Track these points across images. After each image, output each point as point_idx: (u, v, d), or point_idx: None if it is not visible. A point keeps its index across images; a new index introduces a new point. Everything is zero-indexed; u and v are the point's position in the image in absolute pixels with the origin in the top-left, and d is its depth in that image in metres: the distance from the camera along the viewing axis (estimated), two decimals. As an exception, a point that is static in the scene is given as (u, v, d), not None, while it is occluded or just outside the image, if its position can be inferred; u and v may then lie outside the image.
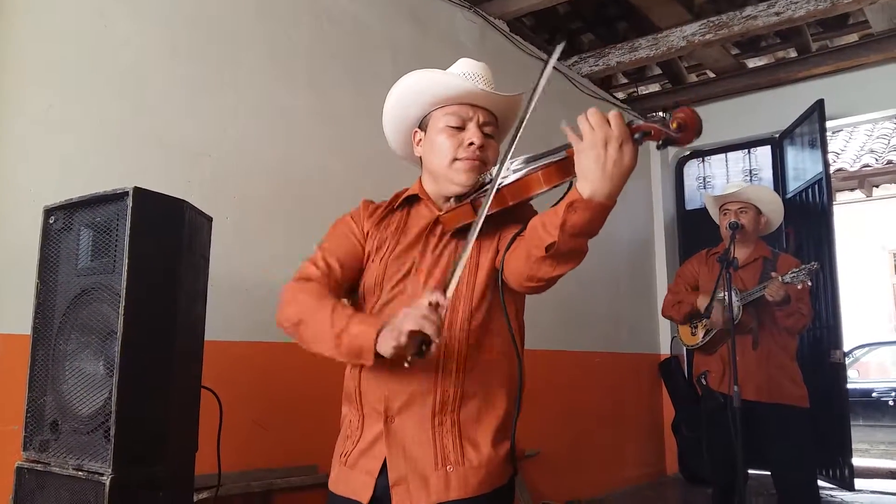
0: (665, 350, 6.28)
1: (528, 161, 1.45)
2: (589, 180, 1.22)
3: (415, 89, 1.58)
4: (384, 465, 1.44)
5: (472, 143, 1.53)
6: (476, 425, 1.44)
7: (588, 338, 5.38)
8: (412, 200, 1.64)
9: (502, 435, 1.46)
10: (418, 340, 1.24)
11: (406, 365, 1.29)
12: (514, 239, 1.40)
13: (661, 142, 1.22)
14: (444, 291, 1.29)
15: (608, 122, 1.21)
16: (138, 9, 2.85)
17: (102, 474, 1.70)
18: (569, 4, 5.16)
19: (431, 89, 1.57)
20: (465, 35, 4.52)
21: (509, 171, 1.43)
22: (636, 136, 1.21)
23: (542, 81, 1.33)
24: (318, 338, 1.43)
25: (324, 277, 1.53)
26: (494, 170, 1.43)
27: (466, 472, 1.40)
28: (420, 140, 1.63)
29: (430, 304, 1.25)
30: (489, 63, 1.65)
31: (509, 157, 1.39)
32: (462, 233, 1.48)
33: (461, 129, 1.56)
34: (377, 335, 1.30)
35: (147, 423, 1.79)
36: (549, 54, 1.35)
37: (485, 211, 1.35)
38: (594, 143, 1.20)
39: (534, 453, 4.49)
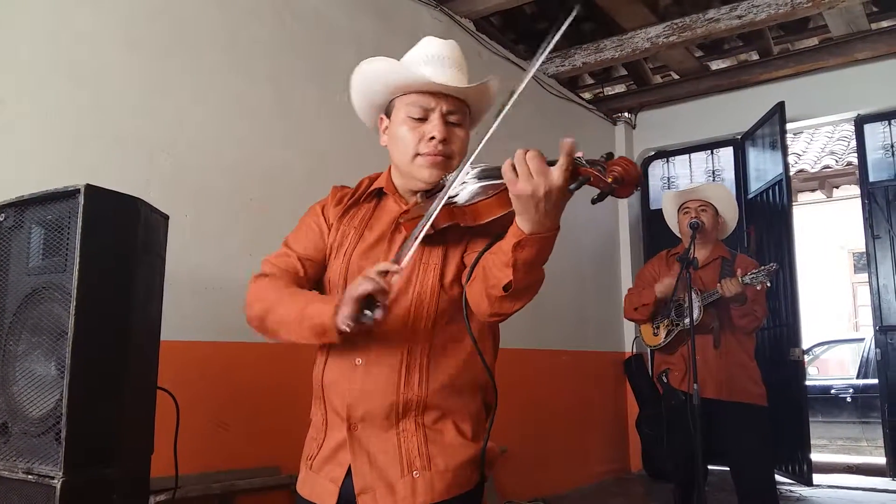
0: (629, 348, 6.35)
1: (483, 175, 1.39)
2: (527, 220, 1.18)
3: (371, 77, 1.51)
4: (349, 472, 1.42)
5: (433, 138, 1.45)
6: (442, 430, 1.41)
7: (554, 336, 5.41)
8: (380, 193, 1.58)
9: (470, 439, 1.43)
10: (366, 304, 1.24)
11: (360, 323, 1.26)
12: (477, 260, 1.36)
13: (597, 196, 1.16)
14: (396, 262, 1.28)
15: (545, 172, 1.14)
16: (96, 2, 2.80)
17: (53, 478, 1.67)
18: (535, 4, 5.19)
19: (388, 78, 1.48)
20: (430, 32, 4.48)
21: (464, 183, 1.38)
22: (571, 186, 1.15)
23: (520, 88, 1.27)
24: (283, 324, 1.42)
25: (285, 273, 1.51)
26: (452, 176, 1.37)
27: (433, 476, 1.37)
28: (386, 128, 1.54)
29: (379, 271, 1.25)
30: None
31: (468, 163, 1.33)
32: (427, 240, 1.41)
33: (424, 119, 1.46)
34: (335, 310, 1.29)
35: (99, 425, 1.76)
36: (532, 58, 1.31)
37: (426, 226, 1.32)
38: (532, 191, 1.14)
39: (503, 450, 4.51)
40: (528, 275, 1.24)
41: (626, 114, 6.78)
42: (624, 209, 6.70)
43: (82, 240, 1.73)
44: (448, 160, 1.46)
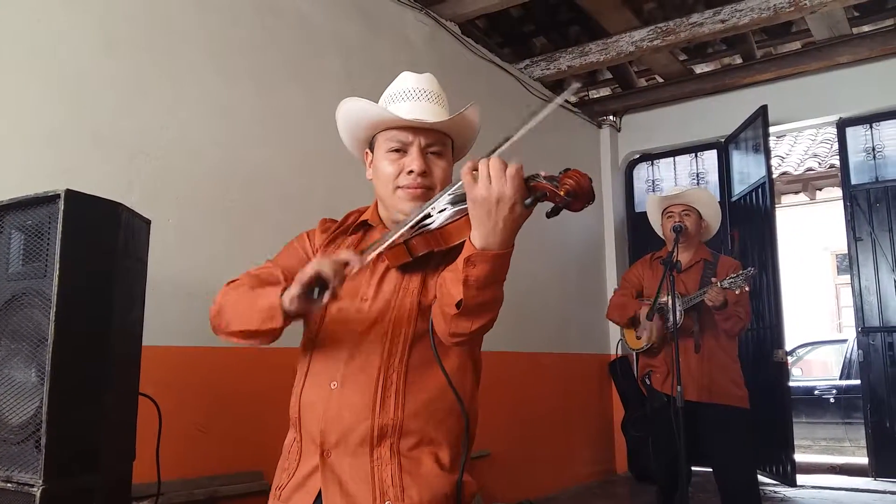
0: (614, 350, 6.37)
1: (457, 199, 1.36)
2: (480, 232, 1.19)
3: (352, 116, 1.54)
4: (318, 499, 1.38)
5: (411, 171, 1.46)
6: (419, 458, 1.38)
7: (538, 338, 5.42)
8: (366, 225, 1.59)
9: (448, 470, 1.39)
10: (316, 287, 1.24)
11: (306, 302, 1.26)
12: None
13: (551, 209, 1.17)
14: (362, 258, 1.29)
15: (506, 178, 1.16)
16: (74, 2, 2.77)
17: (33, 486, 1.66)
18: (521, 8, 5.20)
19: (365, 116, 1.52)
20: (415, 35, 4.51)
21: (442, 210, 1.37)
22: (527, 201, 1.16)
23: (515, 137, 1.23)
24: (236, 314, 1.42)
25: (260, 280, 1.50)
26: (429, 202, 1.37)
27: None
28: (371, 162, 1.56)
29: (337, 260, 1.26)
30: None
31: (446, 190, 1.33)
32: (406, 267, 1.43)
33: (404, 152, 1.48)
34: (283, 292, 1.30)
35: (80, 432, 1.75)
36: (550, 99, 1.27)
37: (399, 231, 1.33)
38: (487, 197, 1.16)
39: (484, 454, 4.51)
40: (481, 292, 1.23)
41: (611, 117, 6.81)
42: (609, 211, 6.73)
43: (62, 245, 1.72)
44: (429, 191, 1.47)
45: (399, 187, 1.48)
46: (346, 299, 1.46)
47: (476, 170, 1.19)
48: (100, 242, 1.83)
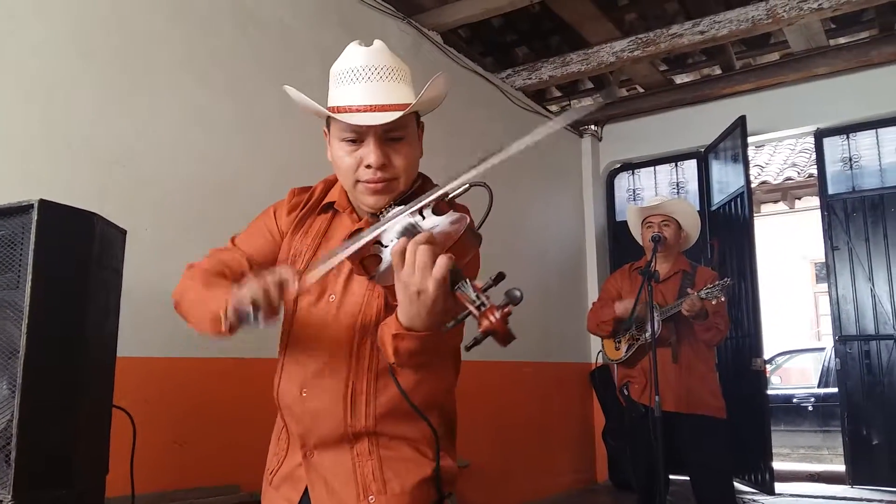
0: (595, 359, 6.39)
1: (437, 210, 1.23)
2: (405, 313, 1.11)
3: (298, 101, 1.39)
4: (305, 494, 1.40)
5: (369, 165, 1.32)
6: (398, 450, 1.38)
7: (519, 347, 5.32)
8: (334, 208, 1.49)
9: (428, 457, 1.39)
10: (249, 311, 1.17)
11: (241, 323, 1.19)
12: None
13: (471, 342, 1.04)
14: (302, 276, 1.22)
15: (430, 277, 1.04)
16: (48, 10, 2.74)
17: (2, 501, 1.63)
18: (503, 17, 5.23)
19: (310, 107, 1.37)
20: (397, 44, 4.52)
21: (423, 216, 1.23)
22: (449, 324, 1.06)
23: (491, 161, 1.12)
24: (190, 311, 1.37)
25: (222, 265, 1.45)
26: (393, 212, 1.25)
27: (388, 501, 1.34)
28: (329, 140, 1.41)
29: (277, 279, 1.18)
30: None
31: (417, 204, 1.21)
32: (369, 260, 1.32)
33: (359, 141, 1.33)
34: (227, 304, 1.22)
35: (52, 446, 1.73)
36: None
37: (347, 252, 1.23)
38: (408, 284, 1.06)
39: (464, 465, 4.50)
40: (414, 358, 1.18)
41: (592, 126, 6.85)
42: (590, 220, 6.76)
43: (35, 256, 1.70)
44: (392, 183, 1.35)
45: (359, 181, 1.35)
46: (314, 297, 1.42)
47: (406, 251, 1.08)
48: (73, 253, 1.82)
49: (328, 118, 1.37)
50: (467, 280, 1.05)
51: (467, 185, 1.18)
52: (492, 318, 1.00)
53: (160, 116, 3.08)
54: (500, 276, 1.05)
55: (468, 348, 1.06)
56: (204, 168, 3.23)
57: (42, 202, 1.73)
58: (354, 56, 1.35)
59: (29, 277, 1.69)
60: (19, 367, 1.66)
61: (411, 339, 1.14)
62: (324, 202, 1.51)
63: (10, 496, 1.62)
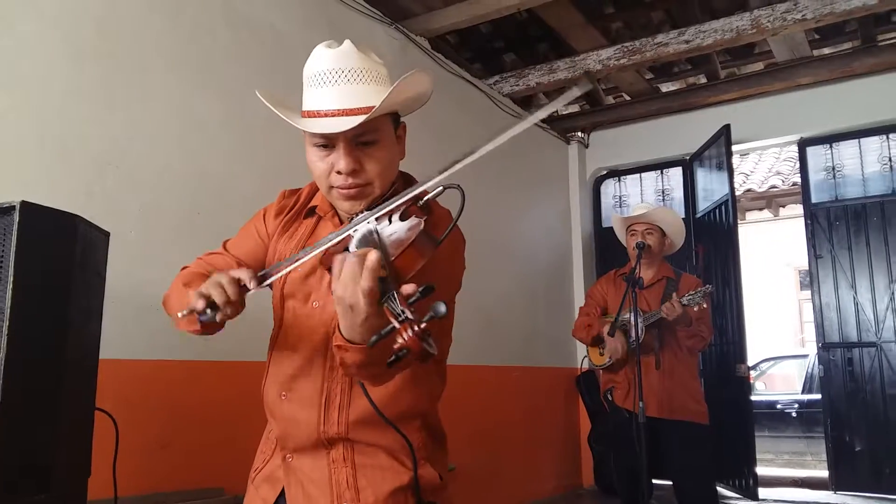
0: (581, 364, 6.40)
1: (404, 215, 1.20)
2: (343, 325, 1.10)
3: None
4: (281, 495, 1.41)
5: (340, 172, 1.30)
6: (373, 456, 1.37)
7: (505, 352, 5.44)
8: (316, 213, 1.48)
9: (405, 465, 1.37)
10: (208, 308, 1.19)
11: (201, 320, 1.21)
12: None
13: (392, 358, 1.01)
14: (260, 278, 1.24)
15: (357, 289, 1.03)
16: (41, 10, 2.74)
17: (-19, 503, 1.62)
18: (491, 24, 5.26)
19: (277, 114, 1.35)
20: (385, 50, 4.53)
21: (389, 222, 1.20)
22: (372, 339, 1.03)
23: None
24: (172, 312, 1.37)
25: (206, 266, 1.47)
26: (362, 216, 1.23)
27: None
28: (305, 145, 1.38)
29: (235, 278, 1.21)
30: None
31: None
32: None
33: (330, 146, 1.31)
34: None
35: (33, 448, 1.72)
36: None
37: (287, 270, 1.28)
38: (342, 297, 1.05)
39: (449, 468, 4.50)
40: (363, 370, 1.17)
41: (579, 133, 6.90)
42: (577, 226, 6.80)
43: (17, 257, 1.69)
44: (365, 188, 1.33)
45: (332, 187, 1.33)
46: (300, 301, 1.42)
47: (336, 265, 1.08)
48: (55, 255, 1.81)
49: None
50: (395, 294, 1.02)
51: (441, 188, 1.17)
52: (406, 335, 0.98)
53: (150, 118, 3.08)
54: (427, 289, 1.02)
55: (389, 365, 1.01)
56: (193, 170, 3.23)
57: (24, 204, 1.72)
58: (321, 59, 1.32)
59: (10, 279, 1.68)
60: (0, 370, 1.66)
61: (354, 352, 1.12)
62: (308, 206, 1.50)
63: (-11, 499, 1.62)
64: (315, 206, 1.48)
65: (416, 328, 0.98)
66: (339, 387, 1.37)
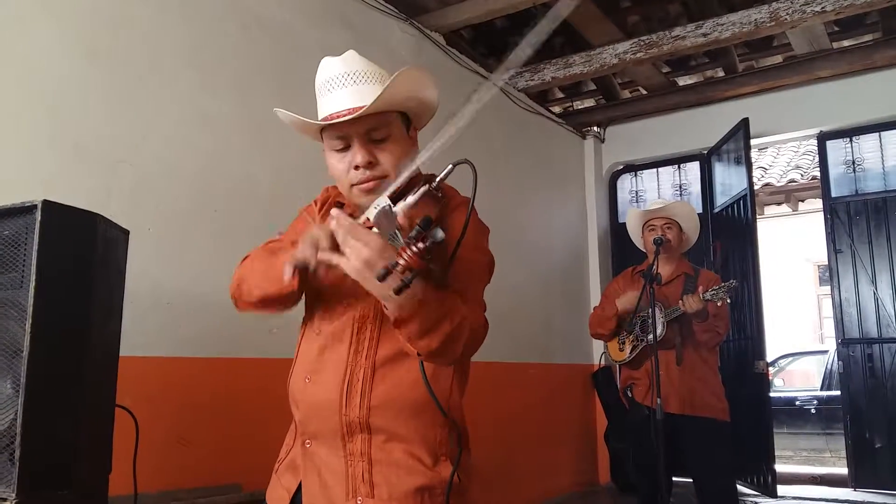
0: (598, 360, 6.39)
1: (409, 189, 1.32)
2: (378, 296, 1.21)
3: (291, 123, 1.51)
4: (301, 485, 1.43)
5: (357, 167, 1.40)
6: (392, 453, 1.36)
7: (521, 348, 5.42)
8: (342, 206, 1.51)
9: (430, 466, 1.37)
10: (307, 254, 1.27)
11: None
12: None
13: (398, 286, 1.10)
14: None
15: (350, 241, 1.16)
16: (56, 11, 2.75)
17: (6, 499, 1.64)
18: (506, 19, 5.23)
19: (296, 125, 1.49)
20: (400, 45, 4.53)
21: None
22: (380, 272, 1.10)
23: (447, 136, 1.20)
24: (256, 280, 1.44)
25: (273, 246, 1.54)
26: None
27: None
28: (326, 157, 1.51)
29: (320, 235, 1.27)
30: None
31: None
32: None
33: (347, 147, 1.42)
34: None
35: (55, 445, 1.73)
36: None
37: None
38: (358, 269, 1.17)
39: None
40: (427, 339, 1.23)
41: (595, 128, 6.85)
42: (593, 221, 6.76)
43: (39, 256, 1.71)
44: (382, 180, 1.41)
45: (352, 184, 1.43)
46: (329, 278, 1.45)
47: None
48: (77, 253, 1.82)
49: (321, 133, 1.46)
50: (397, 231, 1.13)
51: (450, 167, 1.29)
52: (405, 256, 1.07)
53: (165, 117, 3.09)
54: (426, 220, 1.11)
55: (397, 292, 1.10)
56: (208, 169, 3.24)
57: (45, 203, 1.74)
58: (329, 66, 1.45)
59: (32, 277, 1.70)
60: (23, 367, 1.67)
61: (407, 325, 1.21)
62: (335, 201, 1.58)
63: (14, 495, 1.63)
64: (343, 202, 1.55)
65: (414, 248, 1.06)
66: (361, 371, 1.39)
